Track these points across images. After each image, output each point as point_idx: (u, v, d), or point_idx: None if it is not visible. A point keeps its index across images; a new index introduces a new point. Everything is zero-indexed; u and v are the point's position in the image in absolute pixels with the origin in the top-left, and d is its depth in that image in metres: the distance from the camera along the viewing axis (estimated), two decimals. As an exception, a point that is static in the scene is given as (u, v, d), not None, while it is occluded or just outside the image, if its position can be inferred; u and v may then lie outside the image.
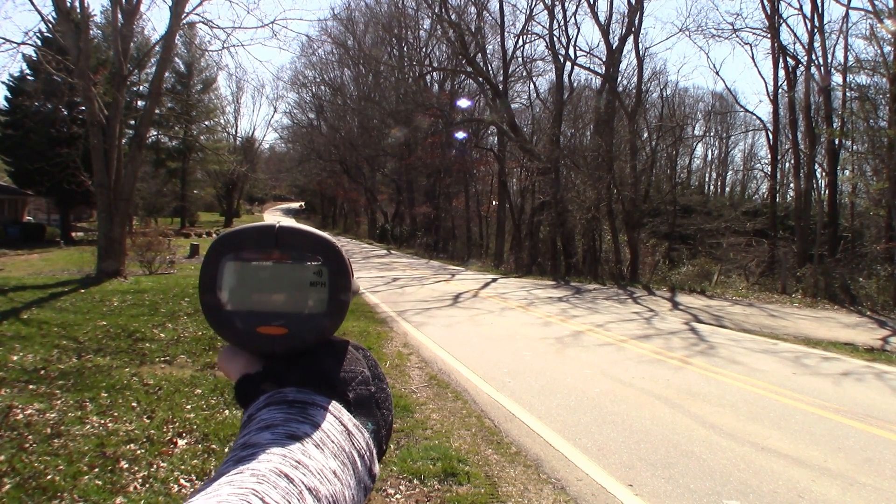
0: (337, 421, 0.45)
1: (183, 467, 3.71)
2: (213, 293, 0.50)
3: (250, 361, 0.50)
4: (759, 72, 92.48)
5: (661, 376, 6.50)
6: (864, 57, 21.20)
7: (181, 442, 4.11)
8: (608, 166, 21.73)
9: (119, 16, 13.44)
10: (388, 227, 39.99)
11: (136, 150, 13.89)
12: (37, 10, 15.80)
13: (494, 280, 17.81)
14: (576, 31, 62.97)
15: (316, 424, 0.44)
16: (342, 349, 0.52)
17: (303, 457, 0.40)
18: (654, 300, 13.65)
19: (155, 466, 3.69)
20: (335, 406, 0.47)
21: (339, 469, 0.42)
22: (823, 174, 24.26)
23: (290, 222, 0.52)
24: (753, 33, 37.78)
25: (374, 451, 0.48)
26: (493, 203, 35.33)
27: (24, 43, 13.96)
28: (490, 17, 29.58)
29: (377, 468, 0.48)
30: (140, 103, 30.90)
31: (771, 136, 27.75)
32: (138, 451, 3.90)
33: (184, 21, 14.07)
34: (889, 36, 18.15)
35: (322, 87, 46.73)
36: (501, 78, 28.47)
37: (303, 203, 76.96)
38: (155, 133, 40.05)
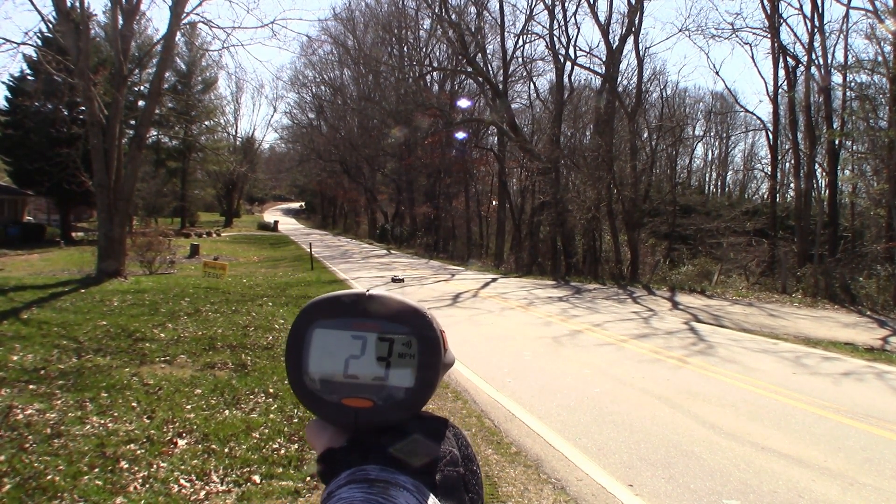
0: None
1: (183, 467, 3.70)
2: (298, 361, 0.49)
3: (336, 435, 0.48)
4: (759, 72, 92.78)
5: (660, 376, 6.50)
6: (864, 57, 21.30)
7: (181, 442, 4.11)
8: (608, 166, 21.73)
9: (119, 16, 13.44)
10: (388, 227, 39.95)
11: (136, 150, 13.88)
12: (37, 10, 15.86)
13: (494, 280, 17.80)
14: (576, 31, 63.07)
15: None
16: (434, 427, 0.50)
17: None
18: (654, 300, 13.64)
19: (155, 466, 3.69)
20: (420, 488, 0.44)
21: None
22: (823, 174, 24.29)
23: (380, 290, 0.50)
24: (753, 33, 38.00)
25: None
26: (493, 203, 35.32)
27: (24, 43, 14.01)
28: (490, 17, 29.65)
29: None
30: (140, 103, 30.88)
31: (771, 136, 27.77)
32: (138, 451, 3.90)
33: (184, 21, 14.08)
34: (889, 35, 18.18)
35: (322, 87, 46.78)
36: (501, 78, 28.48)
37: (303, 203, 77.01)
38: (155, 133, 40.13)
